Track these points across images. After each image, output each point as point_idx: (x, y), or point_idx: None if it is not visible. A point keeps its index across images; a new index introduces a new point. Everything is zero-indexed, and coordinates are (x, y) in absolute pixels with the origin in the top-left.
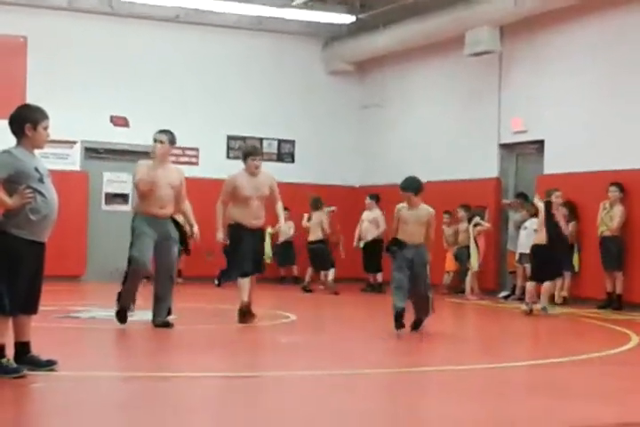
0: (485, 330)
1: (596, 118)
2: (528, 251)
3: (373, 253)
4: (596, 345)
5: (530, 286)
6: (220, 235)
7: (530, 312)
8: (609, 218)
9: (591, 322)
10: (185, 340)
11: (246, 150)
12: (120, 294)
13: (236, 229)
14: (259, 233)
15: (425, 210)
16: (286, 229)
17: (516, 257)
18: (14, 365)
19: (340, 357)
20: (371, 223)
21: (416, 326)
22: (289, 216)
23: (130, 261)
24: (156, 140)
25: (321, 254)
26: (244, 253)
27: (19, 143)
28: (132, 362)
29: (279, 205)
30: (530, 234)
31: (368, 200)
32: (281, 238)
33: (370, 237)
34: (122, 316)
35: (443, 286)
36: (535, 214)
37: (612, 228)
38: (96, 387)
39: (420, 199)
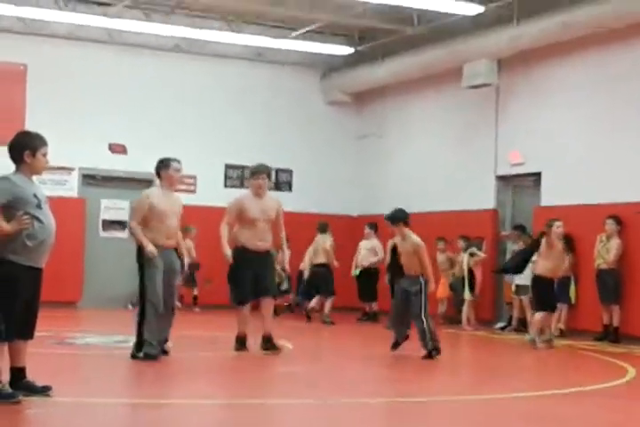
0: (481, 361)
1: (593, 151)
2: (524, 282)
3: (369, 281)
4: (593, 378)
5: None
6: (228, 251)
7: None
8: (605, 251)
9: (588, 354)
10: (182, 367)
11: (252, 169)
12: (141, 330)
13: (240, 253)
14: (265, 256)
15: (410, 241)
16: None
17: (513, 288)
18: (9, 390)
19: (337, 386)
20: (369, 251)
21: (426, 356)
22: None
23: (144, 297)
24: (177, 169)
25: (324, 278)
26: (244, 280)
27: (17, 169)
28: (129, 389)
29: (283, 235)
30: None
31: (367, 229)
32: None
33: (366, 263)
34: (150, 355)
35: (438, 315)
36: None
37: (608, 260)
38: (92, 414)
39: (405, 230)
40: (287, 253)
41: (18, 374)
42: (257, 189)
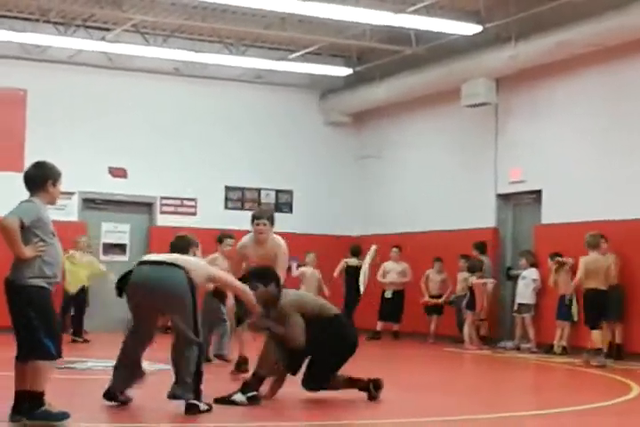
0: (484, 380)
1: (593, 169)
2: (526, 301)
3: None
4: (596, 395)
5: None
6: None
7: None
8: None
9: (591, 372)
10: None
11: (253, 214)
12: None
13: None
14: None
15: None
16: None
17: (515, 307)
18: (56, 410)
19: (338, 408)
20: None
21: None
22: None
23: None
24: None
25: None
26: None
27: (35, 197)
28: (135, 412)
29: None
30: (528, 284)
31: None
32: None
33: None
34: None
35: (430, 335)
36: (533, 264)
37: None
38: None
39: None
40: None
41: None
42: (257, 234)
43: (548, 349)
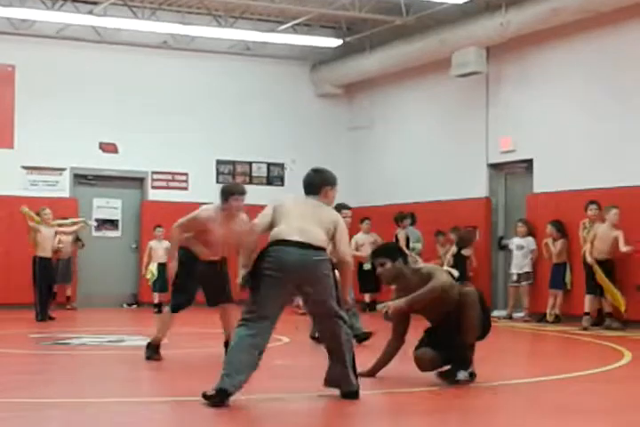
0: (477, 350)
1: (584, 137)
2: (526, 270)
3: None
4: (590, 362)
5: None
6: (173, 270)
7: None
8: (592, 236)
9: (584, 339)
10: (175, 365)
11: (228, 189)
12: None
13: (187, 257)
14: (216, 264)
15: None
16: None
17: (514, 277)
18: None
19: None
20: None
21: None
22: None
23: None
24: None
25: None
26: (185, 287)
27: None
28: (131, 387)
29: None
30: (526, 253)
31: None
32: None
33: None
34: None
35: None
36: (531, 233)
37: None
38: (90, 414)
39: None
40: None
41: None
42: (234, 210)
43: (540, 317)
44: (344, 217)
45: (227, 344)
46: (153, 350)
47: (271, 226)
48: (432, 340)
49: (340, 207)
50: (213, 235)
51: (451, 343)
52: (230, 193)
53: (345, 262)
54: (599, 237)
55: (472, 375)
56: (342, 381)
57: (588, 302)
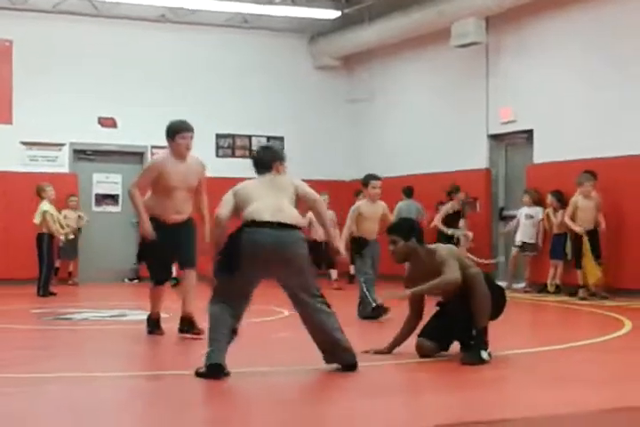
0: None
1: (585, 107)
2: (533, 240)
3: None
4: (591, 332)
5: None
6: (149, 228)
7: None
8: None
9: (585, 309)
10: (173, 340)
11: (174, 126)
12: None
13: (155, 226)
14: (182, 228)
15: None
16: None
17: (518, 245)
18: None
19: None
20: None
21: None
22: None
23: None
24: None
25: None
26: (159, 258)
27: None
28: (134, 361)
29: (204, 201)
30: (535, 223)
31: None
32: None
33: None
34: None
35: None
36: (537, 203)
37: (597, 220)
38: (93, 387)
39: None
40: (208, 226)
41: None
42: (183, 149)
43: (541, 288)
44: (372, 188)
45: (186, 318)
46: (154, 325)
47: (236, 211)
48: (439, 323)
49: (368, 178)
50: (169, 178)
51: (459, 325)
52: (175, 131)
53: (311, 199)
54: (583, 207)
55: (490, 355)
56: (336, 354)
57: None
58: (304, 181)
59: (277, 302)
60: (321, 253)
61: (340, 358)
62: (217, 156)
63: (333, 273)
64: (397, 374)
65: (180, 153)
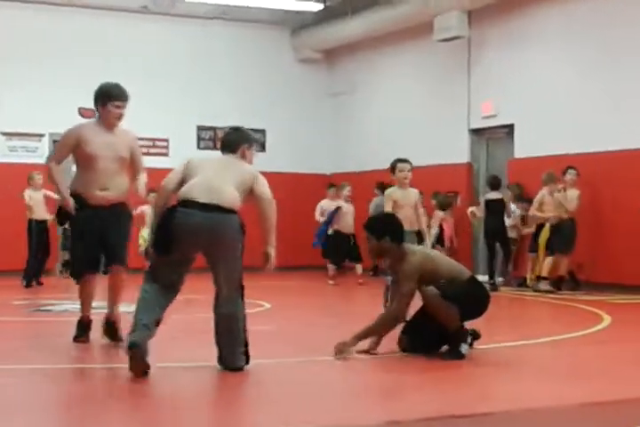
0: None
1: (566, 102)
2: (515, 235)
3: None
4: (571, 326)
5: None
6: (70, 200)
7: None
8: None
9: (563, 304)
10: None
11: (104, 92)
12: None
13: (78, 207)
14: (112, 214)
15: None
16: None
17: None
18: None
19: (314, 344)
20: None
21: None
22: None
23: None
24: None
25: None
26: (81, 247)
27: None
28: (112, 353)
29: (142, 178)
30: (516, 219)
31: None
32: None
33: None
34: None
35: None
36: (521, 198)
37: (571, 211)
38: (73, 380)
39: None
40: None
41: None
42: (114, 119)
43: (521, 282)
44: (400, 171)
45: (107, 322)
46: (81, 330)
47: (182, 183)
48: (418, 322)
49: (396, 162)
50: (89, 145)
51: (434, 327)
52: (108, 97)
53: (264, 199)
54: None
55: (474, 337)
56: (228, 359)
57: (562, 266)
58: (284, 173)
59: (258, 294)
60: (346, 246)
61: (226, 359)
62: (198, 148)
63: (358, 268)
64: (378, 369)
65: (109, 123)
